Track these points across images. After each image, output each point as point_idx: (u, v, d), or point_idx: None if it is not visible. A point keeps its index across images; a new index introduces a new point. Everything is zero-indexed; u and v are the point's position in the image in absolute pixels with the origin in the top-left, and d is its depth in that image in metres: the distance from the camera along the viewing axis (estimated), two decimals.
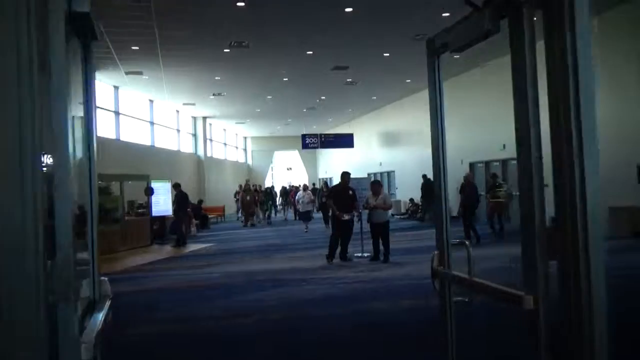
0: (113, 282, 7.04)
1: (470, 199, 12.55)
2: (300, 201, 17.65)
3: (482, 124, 17.79)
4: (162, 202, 15.77)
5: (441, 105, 2.99)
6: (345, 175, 10.48)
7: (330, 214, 11.22)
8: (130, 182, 14.97)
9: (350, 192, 10.37)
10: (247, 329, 5.77)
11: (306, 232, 16.66)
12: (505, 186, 13.73)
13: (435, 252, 2.81)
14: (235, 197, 25.93)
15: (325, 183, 20.26)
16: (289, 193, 26.76)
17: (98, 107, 17.02)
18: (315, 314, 6.28)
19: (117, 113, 18.73)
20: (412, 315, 6.06)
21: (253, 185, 23.43)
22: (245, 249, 13.24)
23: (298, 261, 10.78)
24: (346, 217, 10.09)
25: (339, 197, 10.28)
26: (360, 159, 29.17)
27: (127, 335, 5.60)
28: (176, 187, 14.25)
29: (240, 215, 22.84)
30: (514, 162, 16.02)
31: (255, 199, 20.43)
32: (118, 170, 15.81)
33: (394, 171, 25.04)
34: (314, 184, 30.89)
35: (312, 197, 18.16)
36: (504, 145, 16.47)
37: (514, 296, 1.85)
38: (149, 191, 15.06)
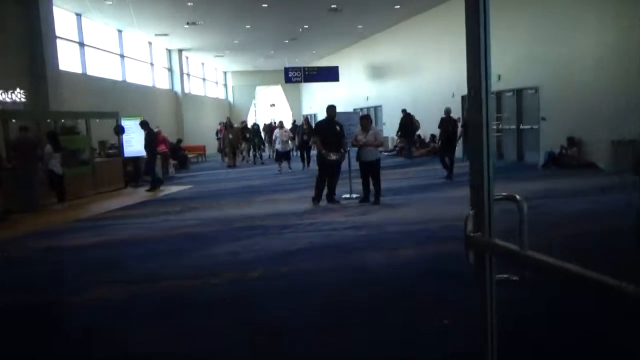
0: (76, 231, 5.99)
1: (448, 134, 12.15)
2: (277, 140, 16.12)
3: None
4: (134, 142, 14.57)
5: (485, 17, 1.85)
6: (330, 109, 9.42)
7: (314, 152, 10.03)
8: (98, 121, 13.69)
9: (337, 127, 9.34)
10: (218, 290, 4.90)
11: (279, 173, 15.47)
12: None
13: (470, 212, 1.81)
14: (216, 135, 24.61)
15: (307, 119, 18.43)
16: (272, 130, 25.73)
17: (59, 38, 15.46)
18: (301, 269, 5.43)
19: (81, 44, 17.10)
20: (412, 267, 5.23)
21: (242, 122, 22.06)
22: (225, 192, 12.31)
23: (281, 204, 9.89)
24: (333, 156, 9.11)
25: (325, 134, 9.26)
26: (346, 93, 27.87)
27: (73, 303, 4.71)
28: (143, 125, 12.97)
29: (222, 155, 21.62)
30: (509, 94, 15.15)
31: (238, 136, 19.09)
32: (86, 108, 14.52)
33: (381, 106, 23.91)
34: (294, 121, 29.55)
35: (291, 135, 16.98)
36: (499, 76, 15.37)
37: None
38: (119, 130, 13.85)
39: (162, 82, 24.36)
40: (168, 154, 16.82)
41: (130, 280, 5.37)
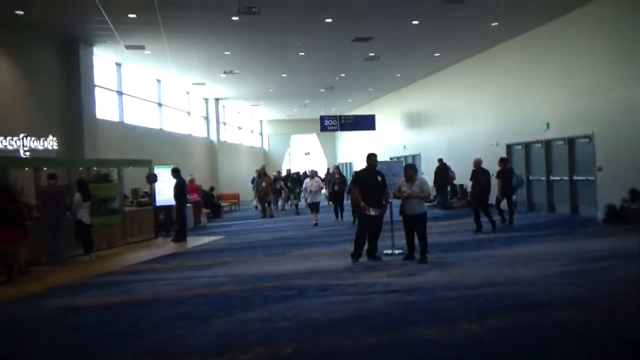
0: (98, 288, 4.86)
1: (481, 186, 11.59)
2: (308, 190, 14.88)
3: (521, 100, 15.79)
4: (167, 190, 14.18)
5: None
6: (371, 158, 8.73)
7: (349, 203, 9.05)
8: (131, 169, 13.39)
9: (379, 177, 8.62)
10: None
11: (315, 224, 14.49)
12: (517, 173, 12.93)
13: None
14: (252, 184, 24.10)
15: (337, 167, 16.69)
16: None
17: (98, 86, 15.53)
18: (342, 346, 4.60)
19: (119, 93, 17.17)
20: (481, 349, 4.34)
21: (276, 172, 21.94)
22: (258, 244, 11.62)
23: (318, 260, 9.11)
24: (373, 212, 8.33)
25: (365, 185, 8.53)
26: (382, 142, 27.33)
27: None
28: (174, 172, 12.56)
29: (256, 204, 20.91)
30: (559, 142, 14.18)
31: (271, 185, 18.40)
32: (122, 156, 14.31)
33: (419, 154, 23.18)
34: (328, 170, 28.96)
35: (322, 185, 15.41)
36: (548, 124, 14.52)
37: None
38: (151, 178, 13.49)
39: (198, 131, 24.37)
40: (200, 202, 16.39)
41: (148, 352, 4.65)
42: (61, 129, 13.04)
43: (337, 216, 15.27)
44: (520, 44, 15.65)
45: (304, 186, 15.38)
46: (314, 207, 14.89)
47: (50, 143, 11.19)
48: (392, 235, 9.37)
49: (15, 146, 10.39)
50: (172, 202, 14.12)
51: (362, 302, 6.05)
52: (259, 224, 16.15)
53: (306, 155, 40.90)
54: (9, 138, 10.35)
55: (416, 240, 8.39)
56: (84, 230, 10.26)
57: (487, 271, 7.40)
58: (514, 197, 13.07)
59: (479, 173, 11.73)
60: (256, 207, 19.76)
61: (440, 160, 18.39)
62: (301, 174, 26.63)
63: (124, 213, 12.48)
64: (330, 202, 16.03)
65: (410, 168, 8.47)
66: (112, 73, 16.91)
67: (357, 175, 8.67)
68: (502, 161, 12.71)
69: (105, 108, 16.15)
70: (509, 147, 16.49)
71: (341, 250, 9.95)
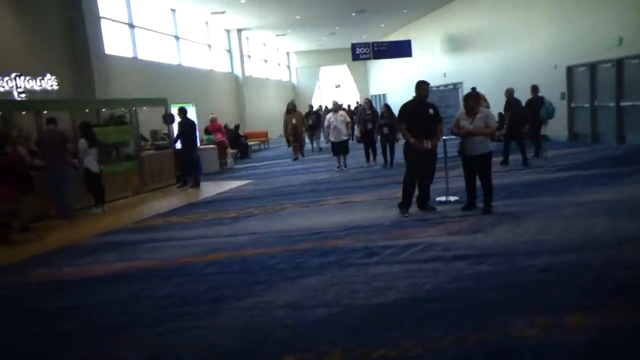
0: (99, 251, 5.50)
1: (515, 117, 10.68)
2: (331, 126, 12.17)
3: (584, 12, 13.42)
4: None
5: None
6: (423, 87, 7.00)
7: (400, 142, 7.23)
8: (146, 109, 12.00)
9: (431, 110, 6.95)
10: None
11: (338, 170, 12.18)
12: (547, 102, 11.37)
13: None
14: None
15: (369, 100, 13.45)
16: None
17: (104, 18, 13.92)
18: (405, 348, 3.22)
19: (131, 25, 15.54)
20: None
21: (308, 106, 20.12)
22: (288, 189, 10.25)
23: (358, 209, 7.69)
24: (428, 145, 6.77)
25: (414, 119, 6.89)
26: (420, 70, 24.99)
27: None
28: (181, 112, 11.22)
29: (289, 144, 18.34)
30: (635, 61, 11.96)
31: (303, 122, 16.33)
32: (139, 96, 12.91)
33: (461, 83, 20.97)
34: (357, 104, 26.80)
35: (348, 120, 12.45)
36: (620, 40, 12.28)
37: None
38: (168, 118, 12.11)
39: (220, 65, 22.68)
40: (226, 143, 15.06)
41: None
42: (65, 68, 11.64)
43: (368, 158, 12.78)
44: None
45: (325, 122, 12.73)
46: (339, 148, 12.17)
47: (49, 83, 9.80)
48: (446, 179, 7.82)
49: (7, 87, 9.04)
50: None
51: (421, 274, 4.62)
52: (290, 164, 14.74)
53: (337, 88, 38.79)
54: None
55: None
56: (92, 179, 9.07)
57: (575, 225, 5.82)
58: (543, 128, 11.81)
59: (512, 103, 10.89)
60: (288, 144, 17.54)
61: (473, 89, 16.11)
62: (323, 109, 24.57)
63: (142, 159, 11.24)
64: (362, 143, 13.26)
65: (471, 98, 6.74)
66: (121, 4, 15.22)
67: (405, 108, 7.02)
68: (533, 89, 11.40)
69: (116, 43, 14.62)
70: (570, 70, 14.31)
71: (384, 196, 8.52)
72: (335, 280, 4.65)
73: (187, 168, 11.44)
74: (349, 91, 36.05)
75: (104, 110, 11.05)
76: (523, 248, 5.13)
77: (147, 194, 11.01)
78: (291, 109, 15.94)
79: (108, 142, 10.12)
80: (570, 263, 4.58)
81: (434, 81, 23.24)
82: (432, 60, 23.84)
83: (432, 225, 6.40)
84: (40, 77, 9.66)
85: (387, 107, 12.41)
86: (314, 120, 17.61)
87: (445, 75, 22.40)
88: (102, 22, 13.42)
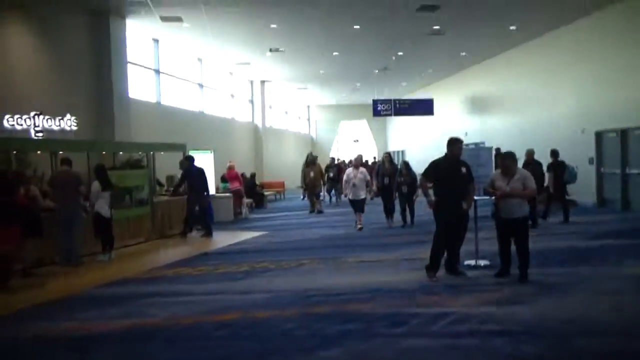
0: (102, 305, 4.96)
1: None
2: (351, 182, 11.25)
3: (615, 79, 13.15)
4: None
5: None
6: (455, 144, 6.64)
7: (418, 199, 6.59)
8: (162, 154, 11.77)
9: (464, 169, 6.54)
10: None
11: (360, 229, 11.17)
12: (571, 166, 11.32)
13: None
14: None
15: (389, 155, 12.43)
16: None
17: (131, 63, 14.02)
18: None
19: (157, 72, 15.66)
20: None
21: (330, 159, 19.79)
22: (305, 244, 9.75)
23: (380, 271, 7.15)
24: (465, 206, 6.34)
25: (446, 177, 6.47)
26: (440, 128, 24.88)
27: None
28: (186, 160, 11.14)
29: (304, 196, 18.04)
30: None
31: (321, 175, 15.80)
32: (160, 140, 12.76)
33: (483, 142, 20.58)
34: (374, 158, 26.66)
35: (368, 178, 11.50)
36: None
37: None
38: (185, 164, 11.81)
39: (242, 115, 22.76)
40: (242, 192, 14.70)
41: None
42: (86, 109, 11.58)
43: (388, 216, 11.73)
44: (619, 14, 12.99)
45: (344, 177, 11.67)
46: (357, 206, 11.35)
47: (68, 123, 9.65)
48: (475, 241, 7.29)
49: (24, 125, 8.87)
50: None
51: (456, 353, 4.05)
52: (306, 217, 14.28)
53: (355, 143, 38.80)
54: (16, 116, 8.82)
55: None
56: (102, 224, 8.69)
57: (624, 303, 5.23)
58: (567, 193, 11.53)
59: (532, 165, 10.44)
60: (303, 197, 17.38)
61: (497, 150, 15.69)
62: (344, 163, 23.74)
63: (155, 204, 10.90)
64: (373, 199, 12.54)
65: (509, 158, 6.31)
66: (149, 50, 15.41)
67: (435, 165, 6.62)
68: (553, 154, 11.41)
69: (140, 88, 14.67)
70: (599, 135, 13.90)
71: (407, 256, 8.00)
72: (359, 354, 4.09)
73: (192, 217, 11.08)
74: (367, 146, 36.00)
75: (121, 153, 10.81)
76: (575, 328, 4.53)
77: (158, 242, 10.59)
78: (310, 162, 15.45)
79: (122, 186, 9.81)
80: (630, 349, 3.99)
81: None
82: (453, 119, 23.69)
83: (464, 292, 5.83)
84: (59, 117, 9.52)
85: (406, 165, 11.61)
86: (335, 173, 17.20)
87: (466, 134, 22.13)
88: (129, 66, 13.49)
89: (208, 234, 10.95)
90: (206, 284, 6.79)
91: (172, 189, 11.73)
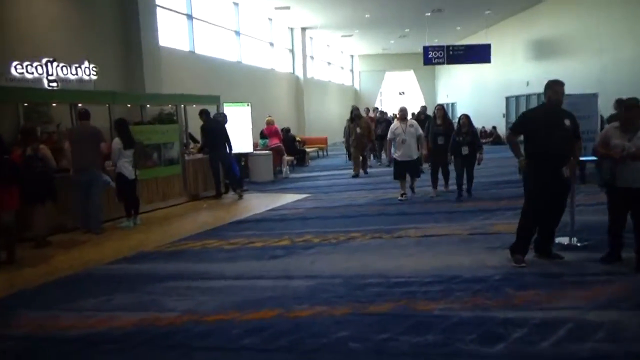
0: (117, 285, 4.40)
1: None
2: (398, 139, 8.88)
3: None
4: (241, 133, 11.44)
5: None
6: (556, 87, 5.02)
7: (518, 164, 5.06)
8: (195, 106, 10.56)
9: (567, 121, 4.98)
10: None
11: (402, 199, 8.95)
12: None
13: None
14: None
15: (442, 107, 9.86)
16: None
17: (160, 7, 12.71)
18: None
19: (189, 17, 14.30)
20: None
21: (376, 110, 17.27)
22: (353, 211, 8.43)
23: (446, 248, 5.82)
24: (566, 173, 4.86)
25: (543, 131, 4.90)
26: (496, 77, 22.73)
27: None
28: (201, 115, 9.94)
29: (347, 155, 15.72)
30: None
31: (370, 131, 13.48)
32: (194, 92, 11.57)
33: None
34: (423, 111, 23.19)
35: (420, 133, 9.02)
36: None
37: None
38: (220, 118, 10.62)
39: (282, 65, 21.27)
40: (282, 149, 13.47)
41: None
42: (113, 57, 10.44)
43: (435, 185, 9.45)
44: None
45: (389, 134, 9.17)
46: (405, 169, 8.97)
47: (87, 72, 8.52)
48: (571, 213, 5.79)
49: (36, 74, 7.78)
50: (246, 149, 11.47)
51: None
52: (352, 178, 12.89)
53: (400, 95, 36.73)
54: (26, 63, 7.72)
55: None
56: (126, 186, 7.65)
57: None
58: None
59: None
60: (348, 157, 14.83)
61: (618, 100, 13.56)
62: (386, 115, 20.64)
63: (187, 163, 9.81)
64: (428, 164, 10.14)
65: (635, 108, 4.69)
66: None
67: (528, 116, 5.12)
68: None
69: (172, 35, 13.41)
70: None
71: (477, 229, 6.63)
72: None
73: (217, 176, 10.09)
74: (413, 99, 33.91)
75: (148, 106, 9.67)
76: None
77: (190, 204, 9.57)
78: (356, 116, 13.20)
79: (149, 143, 8.72)
80: None
81: (515, 90, 21.01)
82: (511, 67, 21.43)
83: (567, 285, 4.44)
84: (76, 65, 8.39)
85: (466, 119, 8.88)
86: (384, 129, 14.07)
87: (528, 84, 19.96)
88: (158, 10, 12.20)
89: (239, 194, 9.94)
90: (238, 262, 5.65)
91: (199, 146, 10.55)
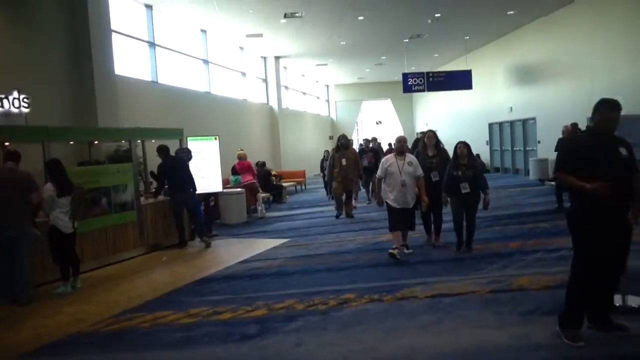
0: None
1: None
2: (397, 180, 6.76)
3: None
4: (208, 171, 10.06)
5: None
6: (609, 109, 3.86)
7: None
8: (153, 141, 9.17)
9: (623, 150, 3.78)
10: None
11: (397, 256, 6.65)
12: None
13: None
14: (323, 166, 15.35)
15: (432, 134, 7.60)
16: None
17: (117, 32, 11.40)
18: None
19: (151, 44, 13.03)
20: None
21: (364, 140, 14.28)
22: (342, 261, 7.05)
23: (466, 317, 4.49)
24: (636, 222, 3.65)
25: (592, 164, 3.70)
26: (478, 103, 21.94)
27: None
28: (160, 151, 8.61)
29: (326, 190, 14.52)
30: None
31: (357, 164, 11.03)
32: (158, 126, 10.23)
33: (533, 118, 17.68)
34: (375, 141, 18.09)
35: (420, 173, 6.90)
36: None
37: None
38: (184, 153, 9.24)
39: (255, 96, 20.08)
40: (256, 185, 12.11)
41: None
42: (59, 87, 9.09)
43: (429, 231, 7.67)
44: None
45: (379, 170, 7.04)
46: (402, 218, 6.85)
47: (15, 103, 7.11)
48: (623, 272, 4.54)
49: None
50: (213, 188, 10.12)
51: None
52: (335, 215, 11.53)
53: (377, 125, 35.89)
54: None
55: None
56: (61, 243, 6.16)
57: None
58: None
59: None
60: (329, 194, 12.61)
61: (574, 126, 12.59)
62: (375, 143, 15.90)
63: (142, 208, 8.35)
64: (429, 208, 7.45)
65: None
66: (141, 19, 12.80)
67: (571, 146, 3.94)
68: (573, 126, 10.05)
69: (132, 64, 12.13)
70: None
71: (500, 284, 5.30)
72: None
73: (179, 222, 8.68)
74: (390, 128, 33.11)
75: (103, 143, 8.27)
76: None
77: (148, 258, 8.08)
78: (343, 145, 10.90)
79: (95, 187, 7.27)
80: None
81: (499, 117, 20.16)
82: (493, 93, 20.68)
83: None
84: (2, 95, 6.96)
85: (465, 148, 6.85)
86: (371, 161, 12.46)
87: (511, 109, 19.19)
88: (115, 37, 10.90)
89: (205, 242, 8.56)
90: (197, 348, 4.21)
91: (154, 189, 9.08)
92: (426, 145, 7.57)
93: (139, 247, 8.12)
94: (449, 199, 6.93)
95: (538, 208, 10.55)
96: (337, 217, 10.98)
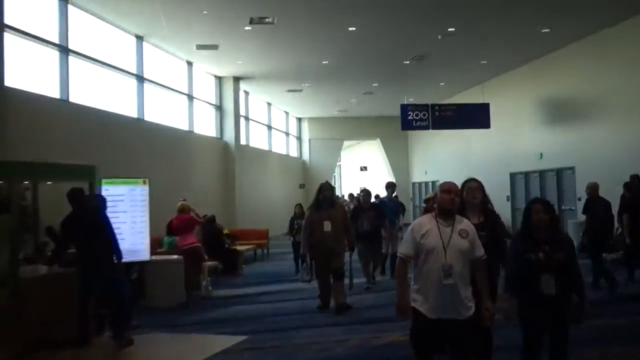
0: None
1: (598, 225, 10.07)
2: (422, 249, 4.37)
3: None
4: (127, 227, 8.78)
5: None
6: None
7: None
8: (49, 183, 7.79)
9: None
10: None
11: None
12: None
13: None
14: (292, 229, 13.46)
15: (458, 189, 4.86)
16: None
17: (10, 28, 10.25)
18: None
19: (64, 50, 11.90)
20: None
21: (360, 192, 12.46)
22: None
23: None
24: None
25: None
26: (496, 147, 21.35)
27: None
28: (72, 199, 7.28)
29: (296, 267, 13.05)
30: None
31: (346, 223, 9.11)
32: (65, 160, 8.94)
33: (572, 168, 17.04)
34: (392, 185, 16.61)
35: (481, 253, 4.49)
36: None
37: None
38: (93, 201, 7.85)
39: (204, 127, 19.37)
40: (200, 250, 10.88)
41: None
42: None
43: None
44: None
45: (403, 243, 4.64)
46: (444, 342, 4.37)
47: None
48: None
49: None
50: (141, 253, 8.79)
51: None
52: (306, 290, 9.99)
53: (362, 171, 35.32)
54: None
55: None
56: None
57: None
58: None
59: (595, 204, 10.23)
60: (308, 277, 9.92)
61: (636, 178, 11.92)
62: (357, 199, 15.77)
63: (21, 282, 6.85)
64: None
65: None
66: (51, 18, 11.77)
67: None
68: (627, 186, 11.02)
69: (37, 76, 11.20)
70: None
71: None
72: None
73: (83, 305, 7.21)
74: (379, 176, 32.43)
75: None
76: None
77: None
78: (325, 199, 9.02)
79: None
80: None
81: (522, 165, 19.54)
82: (515, 134, 20.14)
83: None
84: None
85: (547, 212, 4.65)
86: (372, 222, 10.72)
87: (541, 156, 18.54)
88: (7, 35, 9.81)
89: (125, 338, 7.10)
90: None
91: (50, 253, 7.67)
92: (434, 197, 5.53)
93: (9, 343, 6.55)
94: (514, 303, 4.64)
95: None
96: (319, 308, 9.13)
